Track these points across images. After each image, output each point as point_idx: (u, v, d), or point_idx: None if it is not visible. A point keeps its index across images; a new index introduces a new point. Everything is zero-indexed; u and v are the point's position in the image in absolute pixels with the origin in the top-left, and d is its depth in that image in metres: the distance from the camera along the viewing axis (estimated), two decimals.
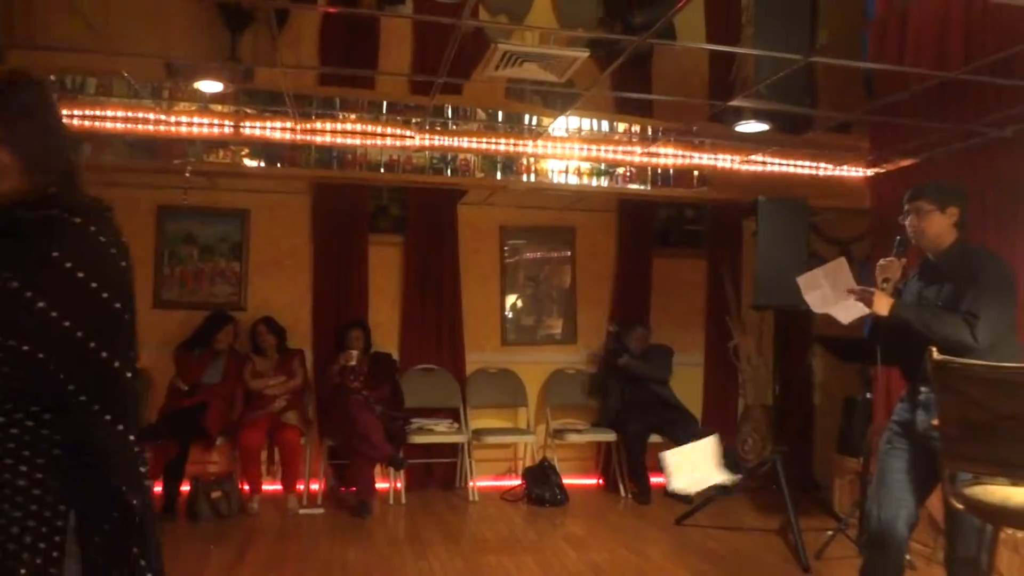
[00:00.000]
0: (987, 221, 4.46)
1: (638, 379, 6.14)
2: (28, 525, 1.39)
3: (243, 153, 4.91)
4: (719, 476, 5.11)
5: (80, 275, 1.41)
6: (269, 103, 4.75)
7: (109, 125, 4.64)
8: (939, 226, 3.00)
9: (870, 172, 5.55)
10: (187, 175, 4.88)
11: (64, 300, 1.39)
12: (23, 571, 1.37)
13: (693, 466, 5.08)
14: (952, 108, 4.52)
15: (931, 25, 4.57)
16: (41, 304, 1.36)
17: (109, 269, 1.48)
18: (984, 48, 3.99)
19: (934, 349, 2.56)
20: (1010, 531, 3.44)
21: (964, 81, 4.11)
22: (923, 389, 2.93)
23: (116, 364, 1.46)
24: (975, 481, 2.62)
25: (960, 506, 2.61)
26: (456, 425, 6.00)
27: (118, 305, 1.47)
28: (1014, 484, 2.52)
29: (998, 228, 4.41)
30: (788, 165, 5.55)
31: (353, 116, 4.96)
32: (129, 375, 1.50)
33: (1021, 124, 4.22)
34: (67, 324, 1.38)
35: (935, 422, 2.66)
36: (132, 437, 1.50)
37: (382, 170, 5.11)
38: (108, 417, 1.45)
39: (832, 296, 3.12)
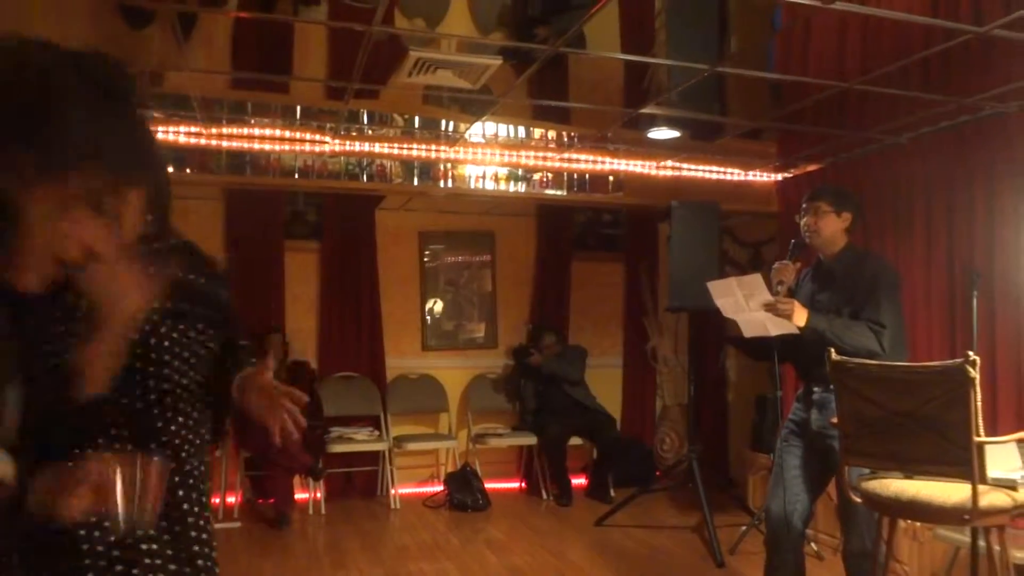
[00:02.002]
0: (885, 222, 4.67)
1: (551, 379, 6.18)
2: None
3: None
4: None
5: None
6: (176, 107, 4.62)
7: None
8: (833, 228, 3.15)
9: (778, 177, 5.75)
10: None
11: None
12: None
13: None
14: (852, 116, 4.71)
15: (831, 37, 4.75)
16: None
17: None
18: (880, 60, 4.17)
19: (832, 350, 2.67)
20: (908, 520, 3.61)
21: (863, 91, 4.29)
22: (816, 389, 3.06)
23: None
24: (872, 476, 2.73)
25: (858, 500, 2.72)
26: (376, 433, 5.94)
27: None
28: (907, 477, 2.64)
29: (895, 229, 4.63)
30: (700, 170, 5.69)
31: (266, 121, 4.86)
32: None
33: (914, 132, 4.44)
34: None
35: (834, 420, 2.77)
36: None
37: (296, 176, 5.02)
38: None
39: (744, 306, 3.18)
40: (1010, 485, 2.55)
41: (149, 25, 4.94)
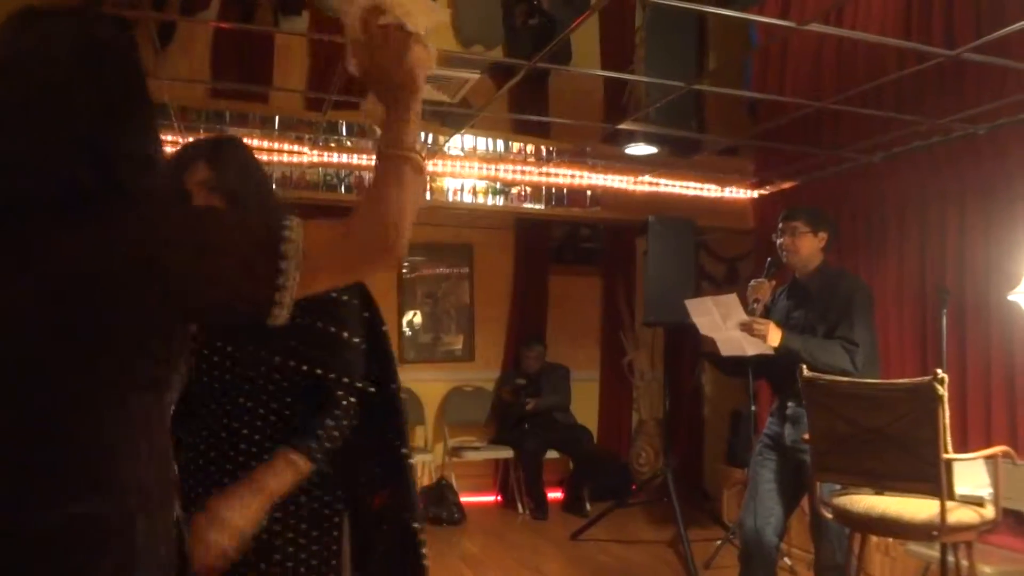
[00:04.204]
0: (858, 240, 4.73)
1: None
2: None
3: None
4: None
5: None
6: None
7: None
8: (810, 247, 3.19)
9: (754, 193, 5.80)
10: None
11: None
12: None
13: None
14: (827, 135, 4.78)
15: (808, 56, 4.82)
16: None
17: None
18: (855, 80, 4.24)
19: (804, 367, 2.70)
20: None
21: (838, 110, 4.36)
22: (790, 404, 3.09)
23: None
24: (843, 492, 2.76)
25: (829, 515, 2.74)
26: None
27: None
28: (878, 493, 2.67)
29: (869, 247, 4.69)
30: (677, 186, 5.73)
31: (244, 131, 4.84)
32: None
33: (888, 151, 4.50)
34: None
35: (806, 436, 2.80)
36: None
37: (274, 186, 4.99)
38: None
39: (721, 325, 3.22)
40: (977, 502, 2.59)
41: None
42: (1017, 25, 3.01)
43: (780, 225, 3.24)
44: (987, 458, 2.67)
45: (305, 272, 1.04)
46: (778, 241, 3.22)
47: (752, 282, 3.22)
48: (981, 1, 3.73)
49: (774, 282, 3.23)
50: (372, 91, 1.21)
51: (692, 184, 5.76)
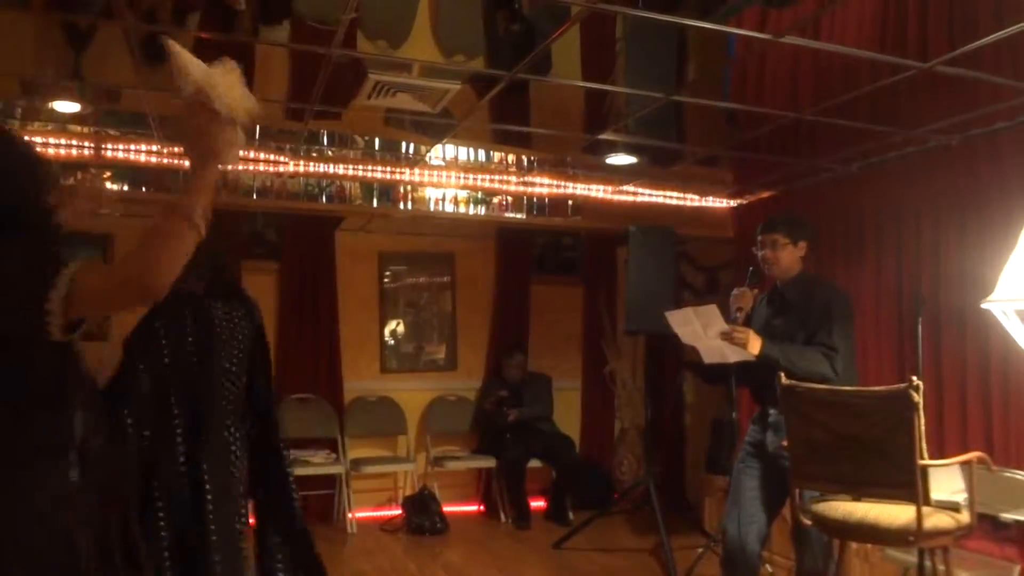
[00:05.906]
0: (836, 249, 4.78)
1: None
2: None
3: (105, 176, 4.69)
4: None
5: None
6: (133, 125, 4.57)
7: None
8: (791, 258, 3.23)
9: (733, 203, 5.85)
10: None
11: None
12: None
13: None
14: (805, 145, 4.84)
15: (785, 68, 4.88)
16: None
17: None
18: (831, 91, 4.29)
19: (782, 374, 2.73)
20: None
21: (815, 121, 4.41)
22: (772, 411, 3.11)
23: None
24: (821, 498, 2.78)
25: (808, 522, 2.77)
26: (333, 456, 5.88)
27: None
28: (855, 500, 2.70)
29: (846, 256, 4.74)
30: (658, 196, 5.77)
31: None
32: None
33: (865, 161, 4.56)
34: None
35: (785, 443, 2.83)
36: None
37: (255, 196, 4.99)
38: None
39: (702, 334, 3.24)
40: (953, 507, 2.62)
41: (86, 49, 4.86)
42: (988, 39, 3.07)
43: (759, 238, 3.26)
44: (962, 464, 2.70)
45: (72, 303, 1.44)
46: (759, 254, 3.24)
47: (734, 291, 3.25)
48: (954, 15, 3.81)
49: (756, 291, 3.26)
50: (186, 155, 1.56)
51: (672, 194, 5.80)
